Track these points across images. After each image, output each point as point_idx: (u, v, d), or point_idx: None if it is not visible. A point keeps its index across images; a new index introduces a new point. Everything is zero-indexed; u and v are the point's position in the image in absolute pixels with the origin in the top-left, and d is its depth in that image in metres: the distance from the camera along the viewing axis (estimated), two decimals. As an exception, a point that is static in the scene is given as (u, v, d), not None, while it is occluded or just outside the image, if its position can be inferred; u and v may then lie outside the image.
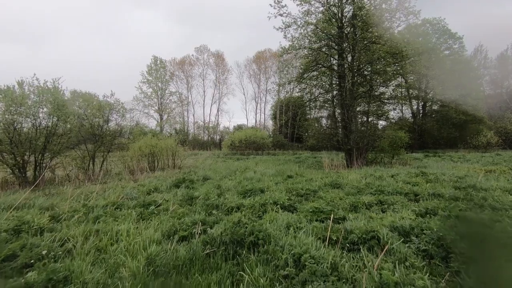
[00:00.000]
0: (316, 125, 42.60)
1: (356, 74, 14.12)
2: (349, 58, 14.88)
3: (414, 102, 34.71)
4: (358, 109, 16.28)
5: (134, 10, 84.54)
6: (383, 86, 16.12)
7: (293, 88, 41.13)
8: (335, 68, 15.83)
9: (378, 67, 13.83)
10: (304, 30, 15.03)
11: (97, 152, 9.87)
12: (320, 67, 15.46)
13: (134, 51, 78.11)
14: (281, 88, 45.81)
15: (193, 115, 51.38)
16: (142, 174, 11.66)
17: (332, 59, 16.31)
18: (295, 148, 38.98)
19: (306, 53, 15.33)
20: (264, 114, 51.93)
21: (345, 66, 14.75)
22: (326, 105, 33.16)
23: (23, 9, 74.31)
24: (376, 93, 17.10)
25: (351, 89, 13.60)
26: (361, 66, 13.81)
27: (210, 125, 50.72)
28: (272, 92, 50.75)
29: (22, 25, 75.51)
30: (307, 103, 26.51)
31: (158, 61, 49.02)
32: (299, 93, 26.67)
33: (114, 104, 10.06)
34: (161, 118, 49.21)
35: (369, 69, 14.50)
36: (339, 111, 20.76)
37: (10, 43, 70.82)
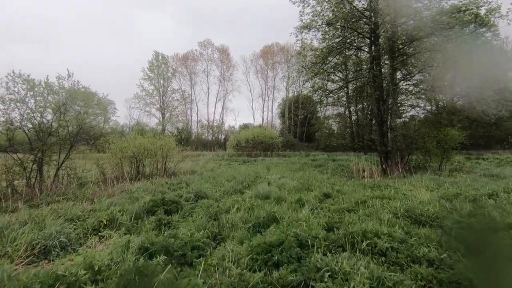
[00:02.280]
0: (326, 124, 39.42)
1: (397, 54, 10.99)
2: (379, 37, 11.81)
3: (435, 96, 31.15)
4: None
5: (141, 12, 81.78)
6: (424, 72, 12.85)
7: (303, 84, 37.85)
8: (366, 49, 12.70)
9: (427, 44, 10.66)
10: (326, 4, 11.98)
11: (48, 155, 6.93)
12: (349, 46, 12.33)
13: (143, 52, 75.99)
14: (294, 80, 42.36)
15: (197, 114, 48.45)
16: (120, 183, 8.73)
17: (362, 38, 13.19)
18: (306, 149, 35.80)
19: (329, 30, 12.22)
20: (272, 112, 48.79)
21: (381, 45, 11.65)
22: (341, 100, 30.00)
23: (32, 10, 73.04)
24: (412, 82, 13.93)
25: (396, 69, 10.50)
26: (406, 43, 10.62)
27: (215, 124, 47.76)
28: (281, 89, 47.66)
29: (34, 27, 74.01)
30: (322, 97, 23.34)
31: (160, 57, 46.25)
32: (311, 88, 23.78)
33: (72, 89, 7.10)
34: (163, 117, 46.46)
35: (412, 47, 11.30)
36: (367, 105, 17.69)
37: (21, 44, 69.20)
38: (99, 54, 75.67)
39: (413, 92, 13.95)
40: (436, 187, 7.05)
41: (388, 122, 11.39)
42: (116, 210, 4.94)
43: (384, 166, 11.54)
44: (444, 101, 31.66)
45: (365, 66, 13.71)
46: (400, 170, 11.09)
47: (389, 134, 11.37)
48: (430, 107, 31.06)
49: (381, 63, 11.94)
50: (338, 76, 24.46)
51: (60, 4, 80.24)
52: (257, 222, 4.08)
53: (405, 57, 11.07)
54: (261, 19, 77.92)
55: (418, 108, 15.14)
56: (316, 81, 17.19)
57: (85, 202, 5.91)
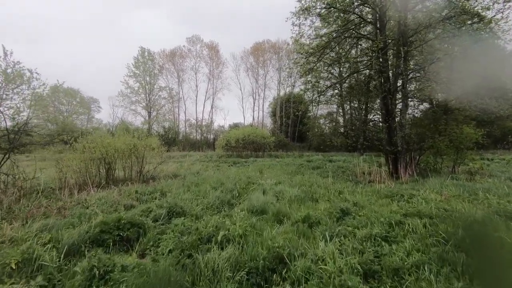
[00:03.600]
0: (317, 123, 38.21)
1: (412, 39, 9.71)
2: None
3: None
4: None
5: (141, 12, 78.83)
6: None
7: (299, 77, 36.51)
8: (371, 38, 11.37)
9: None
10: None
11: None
12: (352, 34, 10.98)
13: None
14: (285, 78, 40.89)
15: (185, 112, 46.31)
16: (81, 191, 7.07)
17: (364, 26, 11.88)
18: (299, 149, 34.46)
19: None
20: (263, 111, 47.20)
21: (387, 33, 10.39)
22: (335, 98, 28.79)
23: (32, 10, 69.61)
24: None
25: (407, 59, 9.24)
26: (419, 28, 9.32)
27: (203, 123, 45.83)
28: (272, 88, 46.20)
29: (34, 27, 70.63)
30: (314, 95, 21.95)
31: (146, 53, 44.00)
32: (303, 86, 22.38)
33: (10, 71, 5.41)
34: (149, 116, 44.25)
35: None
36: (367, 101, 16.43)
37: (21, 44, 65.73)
38: (99, 54, 73.45)
39: (419, 88, 12.67)
40: (470, 196, 5.71)
41: (397, 119, 10.10)
42: (45, 239, 3.35)
43: (393, 168, 10.24)
44: (439, 99, 30.90)
45: (367, 58, 12.37)
46: (411, 172, 9.82)
47: (396, 132, 10.07)
48: (431, 104, 30.29)
49: (388, 53, 10.69)
50: (332, 73, 23.23)
51: (60, 4, 76.99)
52: (254, 267, 2.57)
53: (421, 43, 9.74)
54: (261, 19, 76.55)
55: (427, 104, 13.90)
56: (309, 79, 15.81)
57: (13, 223, 4.26)
